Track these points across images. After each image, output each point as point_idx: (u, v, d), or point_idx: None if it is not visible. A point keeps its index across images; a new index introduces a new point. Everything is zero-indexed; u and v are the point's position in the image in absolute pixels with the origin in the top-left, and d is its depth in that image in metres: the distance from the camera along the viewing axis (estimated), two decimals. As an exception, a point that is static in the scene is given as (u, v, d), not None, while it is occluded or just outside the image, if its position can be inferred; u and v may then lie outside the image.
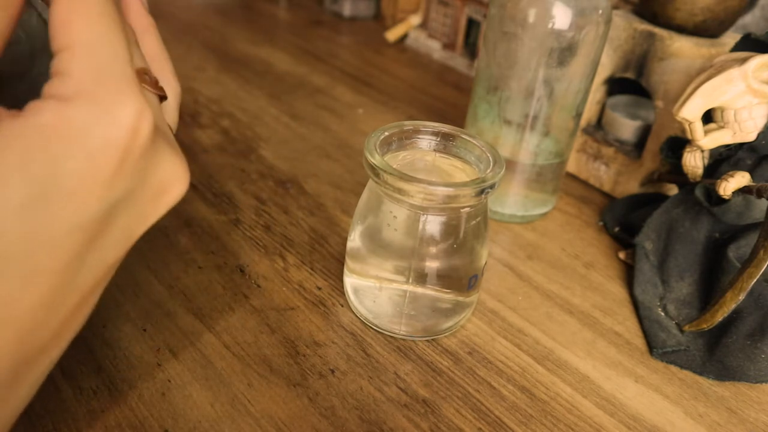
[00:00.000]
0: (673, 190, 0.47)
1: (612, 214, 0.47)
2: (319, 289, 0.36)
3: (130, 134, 0.19)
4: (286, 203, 0.44)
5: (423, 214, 0.30)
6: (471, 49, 0.75)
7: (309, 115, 0.58)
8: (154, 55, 0.26)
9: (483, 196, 0.30)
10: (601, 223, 0.47)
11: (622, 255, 0.43)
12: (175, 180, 0.22)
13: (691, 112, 0.37)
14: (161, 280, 0.35)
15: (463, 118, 0.47)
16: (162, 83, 0.25)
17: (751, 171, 0.37)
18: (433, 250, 0.31)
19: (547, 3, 0.38)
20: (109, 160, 0.19)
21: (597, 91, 0.50)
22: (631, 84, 0.49)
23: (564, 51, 0.39)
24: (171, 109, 0.26)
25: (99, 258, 0.20)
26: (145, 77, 0.22)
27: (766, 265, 0.33)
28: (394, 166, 0.30)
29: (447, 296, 0.33)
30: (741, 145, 0.38)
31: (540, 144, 0.43)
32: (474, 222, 0.32)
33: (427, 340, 0.34)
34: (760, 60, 0.35)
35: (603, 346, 0.35)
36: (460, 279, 0.33)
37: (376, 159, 0.30)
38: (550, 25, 0.39)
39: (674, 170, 0.43)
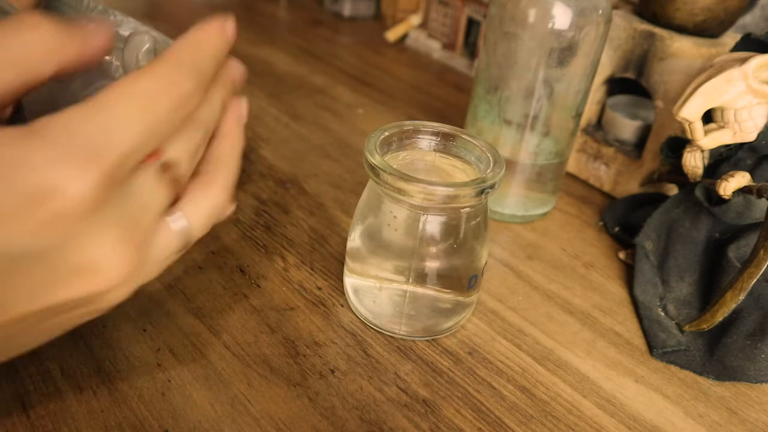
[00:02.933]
0: (673, 190, 0.47)
1: (612, 214, 0.47)
2: (319, 289, 0.36)
3: (63, 195, 0.18)
4: (286, 203, 0.44)
5: (423, 214, 0.30)
6: (471, 49, 0.75)
7: (309, 115, 0.58)
8: (219, 159, 0.25)
9: (483, 196, 0.30)
10: (601, 223, 0.47)
11: (622, 255, 0.43)
12: (102, 270, 0.20)
13: (691, 112, 0.37)
14: (161, 280, 0.35)
15: (463, 118, 0.47)
16: (205, 189, 0.24)
17: (751, 171, 0.37)
18: (433, 250, 0.31)
19: (547, 3, 0.38)
20: (26, 205, 0.18)
21: (597, 91, 0.50)
22: (631, 84, 0.49)
23: (564, 51, 0.39)
24: (200, 215, 0.24)
25: None
26: (166, 171, 0.22)
27: (766, 265, 0.33)
28: (394, 166, 0.30)
29: (447, 296, 0.33)
30: (741, 145, 0.38)
31: (540, 144, 0.43)
32: (474, 222, 0.32)
33: (427, 340, 0.34)
34: (760, 60, 0.35)
35: (603, 346, 0.35)
36: (460, 279, 0.33)
37: (376, 159, 0.30)
38: (550, 25, 0.39)
39: (674, 170, 0.43)
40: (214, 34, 0.23)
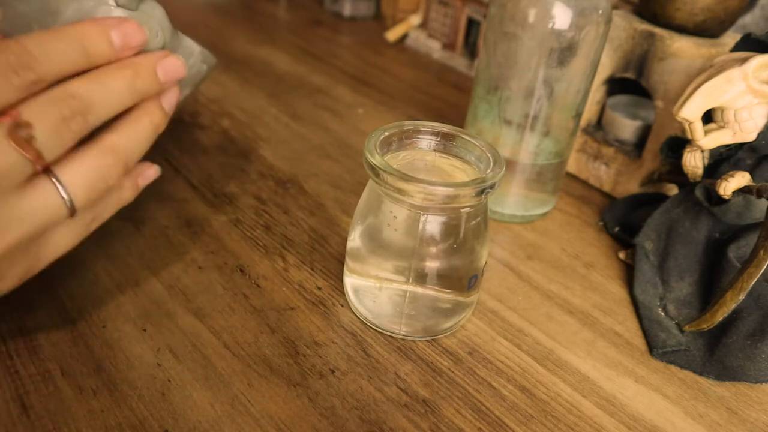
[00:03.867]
0: (673, 190, 0.47)
1: (612, 214, 0.47)
2: (319, 289, 0.36)
3: None
4: (286, 203, 0.44)
5: (423, 214, 0.30)
6: (471, 49, 0.75)
7: (309, 115, 0.58)
8: (112, 127, 0.27)
9: (483, 196, 0.30)
10: (601, 223, 0.47)
11: (622, 255, 0.43)
12: None
13: (691, 112, 0.37)
14: (161, 280, 0.35)
15: (463, 118, 0.47)
16: (82, 151, 0.25)
17: (751, 171, 0.37)
18: (433, 250, 0.31)
19: (547, 3, 0.38)
20: None
21: (597, 91, 0.50)
22: (631, 84, 0.49)
23: (564, 51, 0.39)
24: (77, 178, 0.25)
25: None
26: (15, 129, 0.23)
27: (766, 265, 0.33)
28: (394, 166, 0.30)
29: (447, 296, 0.33)
30: (741, 145, 0.38)
31: (540, 144, 0.43)
32: (474, 222, 0.32)
33: (427, 340, 0.34)
34: (760, 60, 0.35)
35: (603, 346, 0.35)
36: (460, 279, 0.33)
37: (376, 159, 0.30)
38: (550, 25, 0.39)
39: (674, 170, 0.43)
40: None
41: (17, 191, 0.24)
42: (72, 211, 0.26)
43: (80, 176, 0.25)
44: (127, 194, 0.30)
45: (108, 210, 0.29)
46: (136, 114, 0.28)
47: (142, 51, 0.28)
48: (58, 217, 0.25)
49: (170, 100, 0.30)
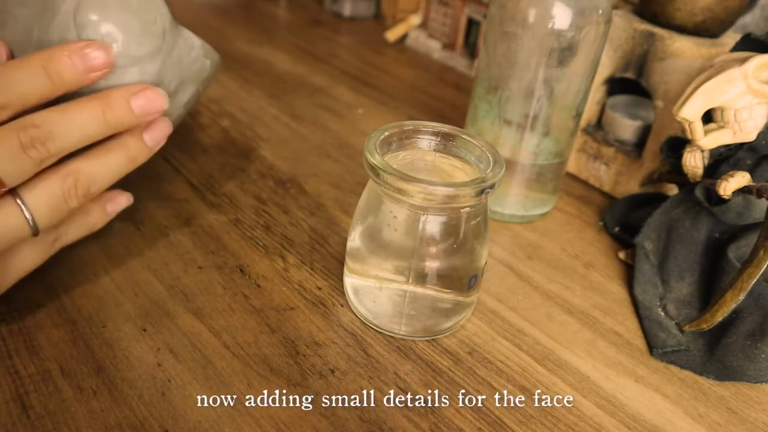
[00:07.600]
0: (673, 190, 0.47)
1: (612, 214, 0.47)
2: (319, 289, 0.36)
3: None
4: (286, 203, 0.44)
5: (423, 214, 0.30)
6: (471, 49, 0.75)
7: (309, 115, 0.58)
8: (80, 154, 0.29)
9: (483, 196, 0.30)
10: (601, 223, 0.47)
11: (622, 255, 0.43)
12: None
13: (691, 112, 0.37)
14: (161, 280, 0.35)
15: (463, 118, 0.47)
16: (42, 174, 0.27)
17: (751, 171, 0.37)
18: (433, 250, 0.31)
19: (547, 3, 0.38)
20: None
21: (597, 91, 0.50)
22: (631, 84, 0.49)
23: (564, 51, 0.39)
24: (38, 200, 0.27)
25: None
26: None
27: (766, 265, 0.33)
28: (394, 166, 0.30)
29: (447, 296, 0.33)
30: (741, 145, 0.38)
31: (540, 144, 0.43)
32: (474, 222, 0.32)
33: (427, 340, 0.34)
34: (760, 60, 0.35)
35: (603, 346, 0.35)
36: (460, 279, 0.33)
37: (376, 159, 0.30)
38: (550, 25, 0.39)
39: (674, 170, 0.43)
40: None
41: None
42: (35, 231, 0.27)
43: (43, 197, 0.27)
44: (94, 219, 0.32)
45: (72, 232, 0.31)
46: (108, 144, 0.29)
47: (138, 35, 0.29)
48: (22, 236, 0.27)
49: (155, 134, 0.31)
